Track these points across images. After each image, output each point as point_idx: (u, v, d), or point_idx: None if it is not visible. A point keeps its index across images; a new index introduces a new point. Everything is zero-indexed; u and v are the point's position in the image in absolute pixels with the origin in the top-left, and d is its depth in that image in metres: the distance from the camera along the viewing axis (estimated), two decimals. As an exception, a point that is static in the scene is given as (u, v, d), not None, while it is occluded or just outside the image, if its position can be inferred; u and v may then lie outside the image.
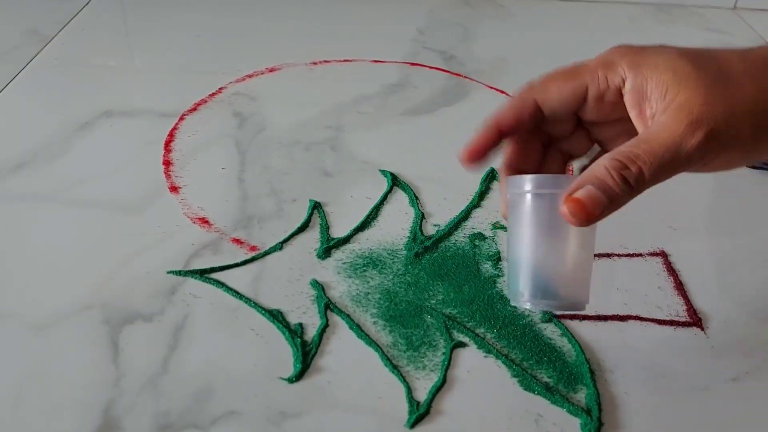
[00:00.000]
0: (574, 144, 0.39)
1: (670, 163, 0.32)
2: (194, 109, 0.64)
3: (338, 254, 0.48)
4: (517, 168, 0.38)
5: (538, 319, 0.43)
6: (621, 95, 0.35)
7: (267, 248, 0.48)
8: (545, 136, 0.39)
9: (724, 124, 0.32)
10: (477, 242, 0.49)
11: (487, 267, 0.47)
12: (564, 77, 0.36)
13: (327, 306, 0.44)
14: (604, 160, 0.33)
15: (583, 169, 0.35)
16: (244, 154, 0.58)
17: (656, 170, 0.32)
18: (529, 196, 0.36)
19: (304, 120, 0.63)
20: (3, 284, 0.46)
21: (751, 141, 0.33)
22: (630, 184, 0.32)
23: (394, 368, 0.40)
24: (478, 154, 0.37)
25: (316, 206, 0.52)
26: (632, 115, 0.35)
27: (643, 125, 0.35)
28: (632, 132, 0.35)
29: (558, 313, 0.43)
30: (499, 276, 0.46)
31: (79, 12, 0.83)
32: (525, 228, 0.36)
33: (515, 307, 0.44)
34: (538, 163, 0.39)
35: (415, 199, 0.53)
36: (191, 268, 0.47)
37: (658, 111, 0.33)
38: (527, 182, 0.36)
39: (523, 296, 0.37)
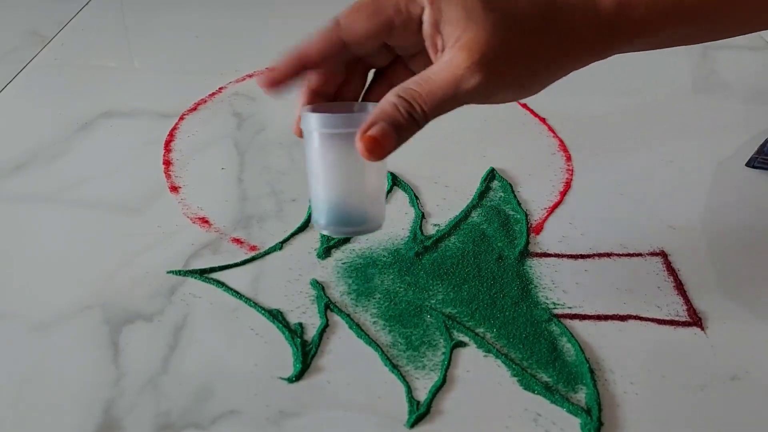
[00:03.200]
0: (378, 62, 0.40)
1: (450, 101, 0.34)
2: (194, 109, 0.64)
3: (338, 254, 0.48)
4: (318, 92, 0.38)
5: (538, 319, 0.43)
6: (420, 24, 0.36)
7: (267, 248, 0.48)
8: (352, 57, 0.39)
9: (502, 67, 0.34)
10: (477, 242, 0.49)
11: (487, 267, 0.47)
12: (369, 13, 0.36)
13: (327, 306, 0.44)
14: (392, 97, 0.35)
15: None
16: (244, 154, 0.58)
17: (437, 108, 0.34)
18: (317, 134, 0.37)
19: (303, 120, 0.63)
20: (3, 284, 0.46)
21: (526, 83, 0.36)
22: (415, 120, 0.34)
23: (394, 368, 0.40)
24: (278, 82, 0.37)
25: (316, 206, 0.52)
26: (427, 44, 0.36)
27: (433, 56, 0.36)
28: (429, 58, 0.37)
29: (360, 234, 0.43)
30: (499, 276, 0.46)
31: (79, 12, 0.83)
32: (318, 164, 0.38)
33: (515, 306, 0.44)
34: (340, 86, 0.39)
35: (415, 199, 0.53)
36: (191, 268, 0.47)
37: (447, 45, 0.35)
38: (314, 121, 0.37)
39: (321, 224, 0.39)
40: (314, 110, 0.37)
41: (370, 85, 0.40)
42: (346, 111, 0.38)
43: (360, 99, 0.40)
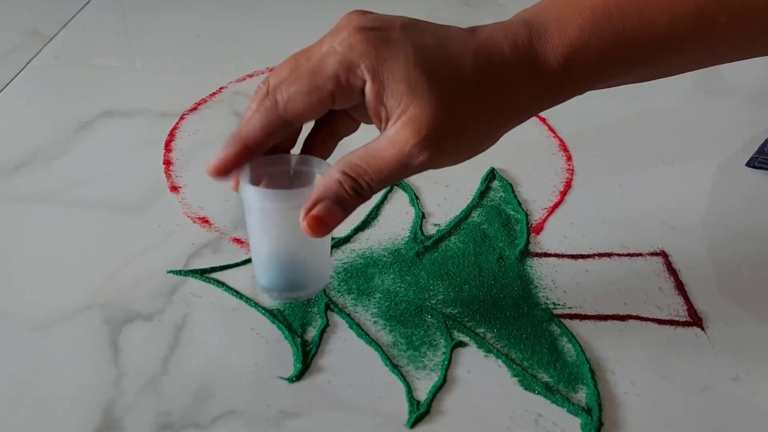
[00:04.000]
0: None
1: (397, 175, 0.34)
2: (194, 108, 0.64)
3: (338, 254, 0.48)
4: (252, 148, 0.36)
5: (538, 319, 0.43)
6: (362, 93, 0.34)
7: (267, 248, 0.48)
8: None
9: (449, 140, 0.33)
10: (478, 242, 0.49)
11: (487, 267, 0.47)
12: (307, 90, 0.34)
13: (327, 306, 0.44)
14: (337, 174, 0.34)
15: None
16: (244, 154, 0.58)
17: (383, 183, 0.34)
18: (258, 209, 0.37)
19: (304, 120, 0.63)
20: (3, 284, 0.46)
21: (475, 148, 0.35)
22: (361, 195, 0.34)
23: (395, 368, 0.40)
24: (226, 171, 0.36)
25: (316, 206, 0.52)
26: (370, 113, 0.35)
27: (378, 125, 0.35)
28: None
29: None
30: (500, 276, 0.46)
31: (79, 12, 0.83)
32: (257, 234, 0.38)
33: (516, 306, 0.44)
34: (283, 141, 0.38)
35: (415, 199, 0.53)
36: (191, 268, 0.47)
37: (392, 117, 0.34)
38: (254, 197, 0.36)
39: (262, 286, 0.40)
40: (252, 173, 0.36)
41: (312, 131, 0.39)
42: (284, 166, 0.38)
43: (301, 141, 0.39)
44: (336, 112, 0.37)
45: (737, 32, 0.36)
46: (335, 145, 0.40)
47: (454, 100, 0.33)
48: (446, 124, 0.33)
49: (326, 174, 0.35)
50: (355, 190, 0.34)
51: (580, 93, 0.37)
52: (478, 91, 0.34)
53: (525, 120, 0.36)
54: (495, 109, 0.35)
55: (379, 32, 0.33)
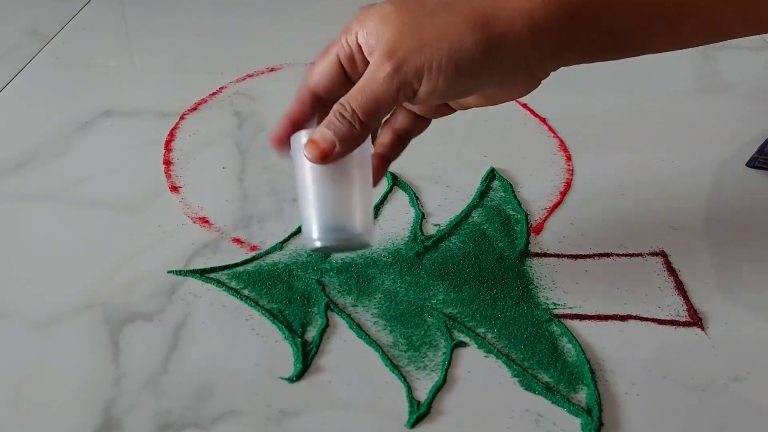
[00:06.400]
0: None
1: (372, 96, 0.36)
2: (194, 108, 0.64)
3: (339, 254, 0.48)
4: (297, 118, 0.40)
5: (538, 319, 0.43)
6: (361, 50, 0.37)
7: (267, 248, 0.48)
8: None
9: (412, 54, 0.35)
10: (478, 242, 0.49)
11: (487, 267, 0.47)
12: (321, 57, 0.39)
13: (327, 306, 0.44)
14: (335, 106, 0.37)
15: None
16: (245, 153, 0.58)
17: (364, 106, 0.36)
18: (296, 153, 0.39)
19: (304, 120, 0.63)
20: (3, 283, 0.46)
21: (438, 72, 0.35)
22: (349, 121, 0.36)
23: (395, 368, 0.40)
24: (282, 142, 0.40)
25: (317, 206, 0.52)
26: (368, 58, 0.37)
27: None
28: None
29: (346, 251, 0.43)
30: (500, 276, 0.46)
31: (79, 12, 0.83)
32: (309, 178, 0.39)
33: (516, 306, 0.44)
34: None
35: (415, 199, 0.53)
36: (191, 268, 0.47)
37: (375, 53, 0.36)
38: (292, 143, 0.39)
39: (312, 238, 0.39)
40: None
41: (382, 134, 0.43)
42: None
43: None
44: (400, 114, 0.42)
45: None
46: (404, 146, 0.43)
47: (418, 22, 0.35)
48: (408, 41, 0.35)
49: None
50: (342, 116, 0.36)
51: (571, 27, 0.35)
52: (441, 18, 0.35)
53: (508, 40, 0.35)
54: (459, 16, 0.35)
55: (373, 4, 0.37)
